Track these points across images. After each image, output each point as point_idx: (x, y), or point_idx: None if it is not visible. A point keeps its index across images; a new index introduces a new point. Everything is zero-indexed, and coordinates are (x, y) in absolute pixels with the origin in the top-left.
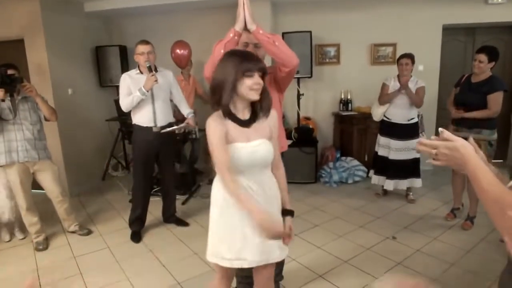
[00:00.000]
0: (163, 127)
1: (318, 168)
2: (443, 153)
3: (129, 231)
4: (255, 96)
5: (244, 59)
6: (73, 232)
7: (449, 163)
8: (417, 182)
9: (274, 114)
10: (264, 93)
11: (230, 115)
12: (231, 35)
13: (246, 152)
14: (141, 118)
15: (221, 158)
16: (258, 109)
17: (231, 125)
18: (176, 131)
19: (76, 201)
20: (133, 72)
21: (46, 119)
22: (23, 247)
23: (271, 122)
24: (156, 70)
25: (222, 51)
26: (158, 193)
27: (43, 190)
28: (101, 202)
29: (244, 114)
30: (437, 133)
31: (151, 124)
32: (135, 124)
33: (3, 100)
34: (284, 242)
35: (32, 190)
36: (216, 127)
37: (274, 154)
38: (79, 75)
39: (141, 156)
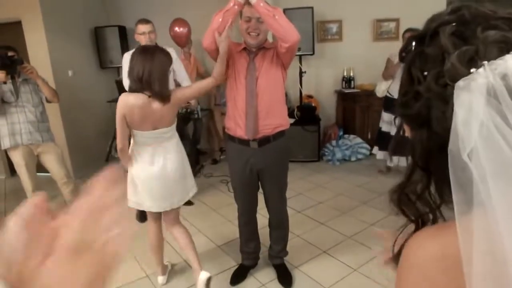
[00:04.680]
0: None
1: (321, 146)
2: None
3: (134, 211)
4: None
5: None
6: None
7: None
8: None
9: None
10: None
11: None
12: (231, 4)
13: None
14: None
15: None
16: None
17: None
18: (178, 111)
19: (81, 182)
20: None
21: (47, 101)
22: None
23: None
24: None
25: (220, 19)
26: None
27: (48, 172)
28: None
29: None
30: None
31: None
32: None
33: (4, 83)
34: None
35: (38, 173)
36: None
37: None
38: (79, 56)
39: None
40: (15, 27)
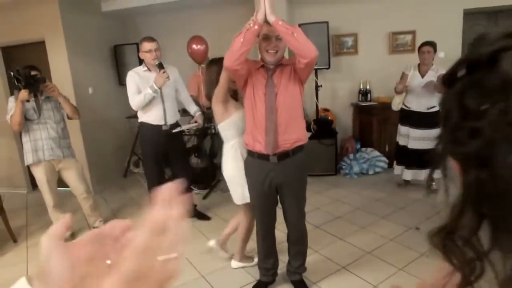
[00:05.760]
0: (172, 126)
1: (338, 159)
2: None
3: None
4: None
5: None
6: (98, 227)
7: None
8: (437, 172)
9: None
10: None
11: None
12: (251, 24)
13: None
14: (151, 116)
15: None
16: None
17: None
18: (186, 131)
19: (100, 197)
20: (140, 69)
21: (69, 118)
22: None
23: None
24: (162, 67)
25: (242, 40)
26: None
27: (68, 187)
28: (124, 198)
29: None
30: None
31: (161, 123)
32: (143, 122)
33: (27, 101)
34: None
35: (58, 188)
36: None
37: None
38: (98, 74)
39: (152, 154)
40: (39, 46)
